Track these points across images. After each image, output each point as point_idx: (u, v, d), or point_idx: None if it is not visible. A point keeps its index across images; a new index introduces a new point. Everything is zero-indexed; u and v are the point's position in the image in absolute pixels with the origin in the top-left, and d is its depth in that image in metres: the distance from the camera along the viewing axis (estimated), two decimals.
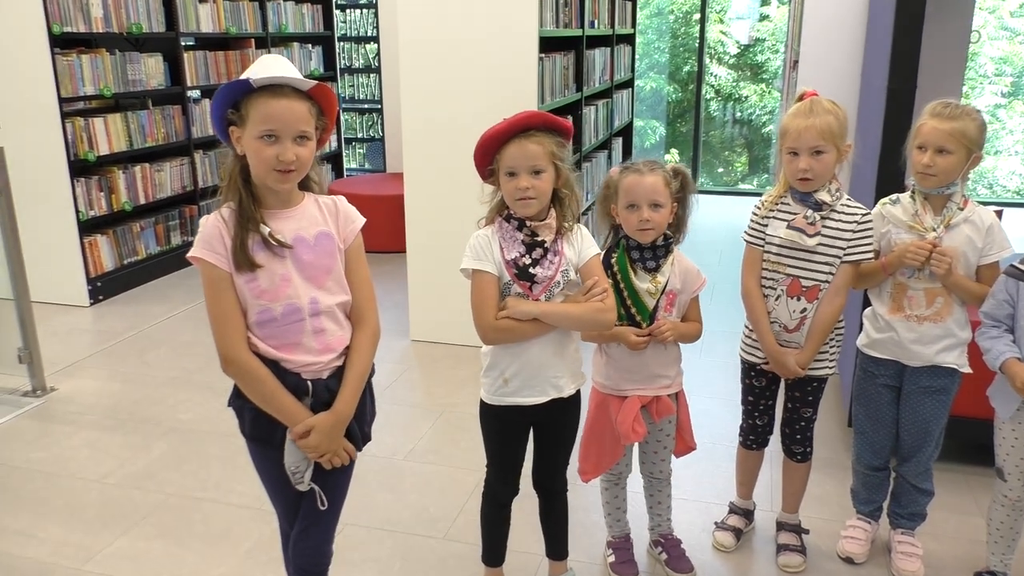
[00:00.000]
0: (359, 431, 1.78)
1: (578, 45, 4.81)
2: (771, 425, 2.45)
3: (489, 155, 1.90)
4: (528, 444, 2.11)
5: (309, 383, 1.69)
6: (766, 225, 2.23)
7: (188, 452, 3.11)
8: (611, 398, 2.19)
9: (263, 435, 1.70)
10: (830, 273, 2.15)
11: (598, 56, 5.47)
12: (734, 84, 10.78)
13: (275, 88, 1.58)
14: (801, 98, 2.16)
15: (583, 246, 1.96)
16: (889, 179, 2.67)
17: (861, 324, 2.39)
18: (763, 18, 10.68)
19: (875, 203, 2.69)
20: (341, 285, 1.74)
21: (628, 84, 7.04)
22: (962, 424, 2.62)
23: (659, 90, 10.83)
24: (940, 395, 2.25)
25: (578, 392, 2.06)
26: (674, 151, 10.79)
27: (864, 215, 2.14)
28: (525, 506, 2.22)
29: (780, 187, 2.23)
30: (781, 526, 2.51)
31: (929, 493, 2.39)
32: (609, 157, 6.04)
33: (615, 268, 2.10)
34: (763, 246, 2.24)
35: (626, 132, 7.03)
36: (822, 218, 2.13)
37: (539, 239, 1.91)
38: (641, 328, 2.10)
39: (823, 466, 2.96)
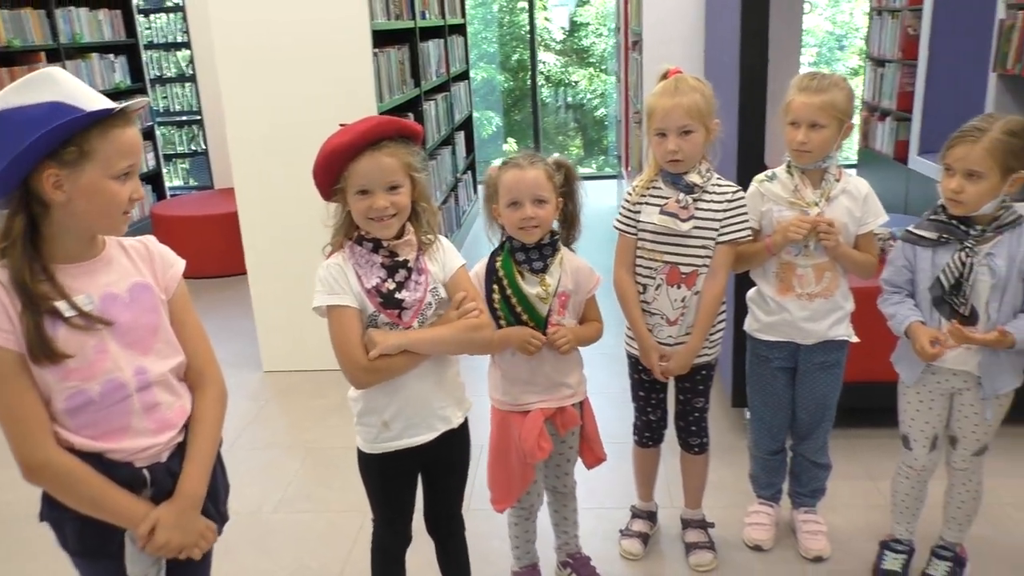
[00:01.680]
0: (215, 511, 1.48)
1: (411, 38, 4.56)
2: (665, 419, 2.33)
3: (334, 172, 1.63)
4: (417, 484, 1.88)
5: (146, 472, 1.37)
6: (638, 212, 2.10)
7: (7, 543, 2.64)
8: (512, 415, 1.99)
9: (94, 548, 1.37)
10: (708, 257, 2.05)
11: (432, 48, 5.24)
12: (563, 70, 10.88)
13: (117, 117, 1.29)
14: (665, 76, 2.04)
15: (447, 259, 1.75)
16: (750, 155, 2.62)
17: (740, 308, 2.32)
18: (583, 2, 10.83)
19: (737, 181, 2.65)
20: (171, 345, 1.43)
21: (464, 76, 6.86)
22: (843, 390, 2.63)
23: (491, 80, 10.76)
24: (834, 369, 2.22)
25: (466, 419, 1.85)
26: (511, 140, 10.76)
27: (735, 192, 2.05)
28: (419, 546, 1.98)
29: (650, 171, 2.11)
30: (687, 523, 2.42)
31: (828, 467, 2.36)
32: (453, 152, 5.85)
33: (500, 274, 1.91)
34: (636, 234, 2.11)
35: (467, 125, 6.85)
36: (695, 200, 2.03)
37: (400, 259, 1.68)
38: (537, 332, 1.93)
39: (714, 451, 2.87)
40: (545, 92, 10.77)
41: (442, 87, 5.66)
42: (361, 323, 1.66)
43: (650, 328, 2.13)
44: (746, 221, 2.06)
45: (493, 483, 2.04)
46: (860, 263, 2.10)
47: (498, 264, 1.92)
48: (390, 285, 1.66)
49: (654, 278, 2.09)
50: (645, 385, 2.26)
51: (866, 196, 2.11)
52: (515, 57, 10.73)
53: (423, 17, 4.92)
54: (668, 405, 2.32)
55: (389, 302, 1.65)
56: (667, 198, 2.05)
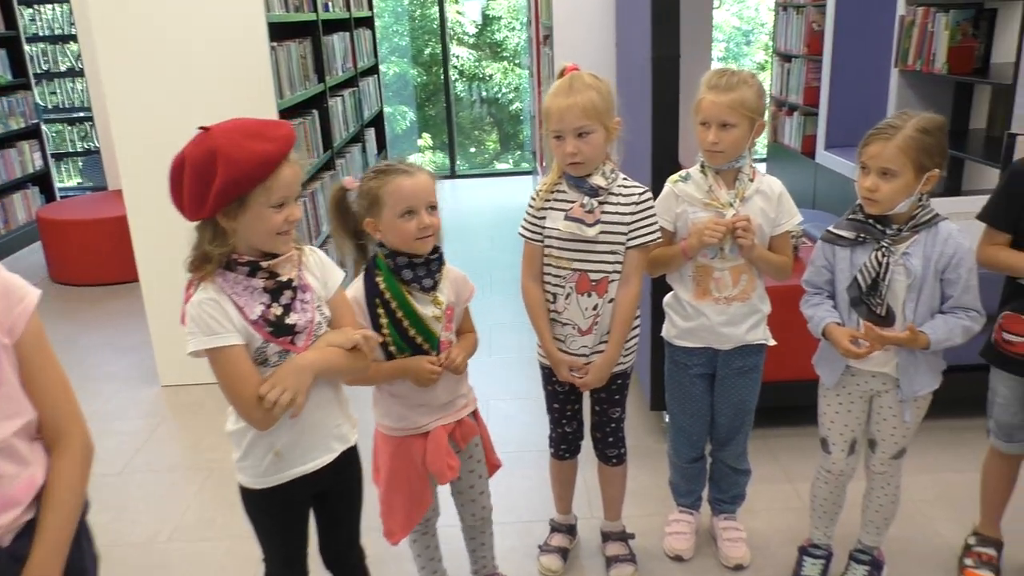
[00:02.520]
0: None
1: (314, 31, 4.36)
2: (581, 431, 2.24)
3: (255, 184, 1.42)
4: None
5: None
6: (543, 218, 2.00)
7: None
8: (409, 439, 1.86)
9: None
10: (618, 263, 1.96)
11: (337, 42, 5.04)
12: (476, 63, 10.76)
13: None
14: (562, 74, 1.94)
15: (326, 273, 1.60)
16: (664, 152, 2.56)
17: (657, 313, 2.25)
18: None
19: (652, 181, 2.59)
20: (16, 402, 1.20)
21: (373, 70, 6.65)
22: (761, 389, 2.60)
23: (403, 74, 10.56)
24: (752, 373, 2.17)
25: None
26: (427, 135, 10.59)
27: (643, 194, 1.96)
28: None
29: (553, 174, 2.01)
30: (607, 536, 2.34)
31: (748, 473, 2.32)
32: (363, 150, 5.65)
33: (387, 296, 1.75)
34: (542, 241, 2.01)
35: (377, 121, 6.65)
36: (600, 204, 1.93)
37: (283, 279, 1.52)
38: (433, 357, 1.80)
39: (633, 456, 2.80)
40: (459, 86, 10.63)
41: (350, 82, 5.46)
42: (250, 358, 1.48)
43: (562, 339, 2.04)
44: (655, 223, 1.98)
45: (388, 515, 1.90)
46: (776, 264, 2.06)
47: (382, 286, 1.75)
48: (276, 310, 1.49)
49: (563, 287, 2.00)
50: (559, 397, 2.16)
51: (780, 196, 2.06)
52: (428, 51, 10.54)
53: (326, 9, 4.72)
54: (584, 416, 2.24)
55: (280, 330, 1.49)
56: (572, 202, 1.95)
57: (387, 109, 10.21)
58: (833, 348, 1.94)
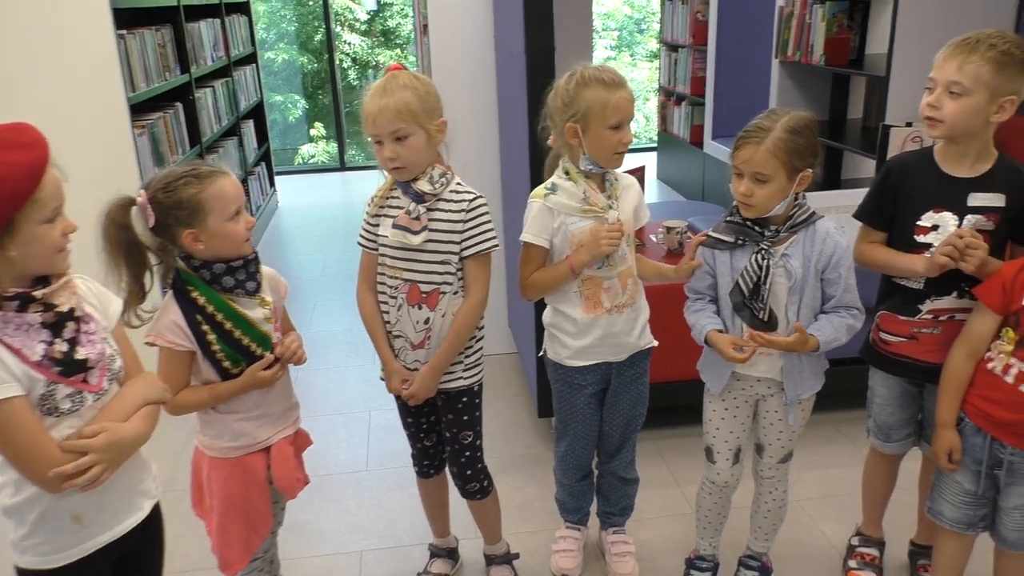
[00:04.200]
0: None
1: (175, 17, 4.04)
2: (443, 442, 2.10)
3: (28, 197, 1.21)
4: None
5: None
6: (376, 225, 1.86)
7: None
8: (249, 457, 1.69)
9: None
10: (448, 273, 1.82)
11: (205, 29, 4.71)
12: (369, 51, 10.46)
13: None
14: (385, 72, 1.79)
15: (104, 302, 1.41)
16: (542, 151, 2.44)
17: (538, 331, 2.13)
18: None
19: (530, 178, 2.46)
20: None
21: (251, 59, 6.30)
22: None
23: (293, 62, 10.15)
24: (643, 378, 2.09)
25: None
26: (319, 124, 10.23)
27: (474, 200, 1.82)
28: None
29: (390, 180, 1.86)
30: (490, 559, 2.21)
31: (636, 482, 2.23)
32: (240, 144, 5.34)
33: (209, 310, 1.57)
34: (376, 249, 1.87)
35: (257, 113, 6.31)
36: (428, 210, 1.80)
37: (62, 310, 1.30)
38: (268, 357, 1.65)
39: (519, 464, 2.74)
40: (352, 75, 10.31)
41: (223, 72, 5.13)
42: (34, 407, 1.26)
43: (396, 353, 1.90)
44: (491, 231, 1.84)
45: (224, 545, 1.71)
46: (660, 270, 2.01)
47: (201, 301, 1.56)
48: (61, 346, 1.28)
49: (396, 297, 1.86)
50: (411, 409, 2.00)
51: (637, 189, 2.00)
52: (317, 37, 10.17)
53: None
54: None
55: (70, 367, 1.28)
56: (403, 209, 1.82)
57: (276, 97, 9.82)
58: (717, 354, 1.87)
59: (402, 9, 10.25)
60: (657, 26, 9.85)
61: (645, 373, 2.09)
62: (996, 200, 1.76)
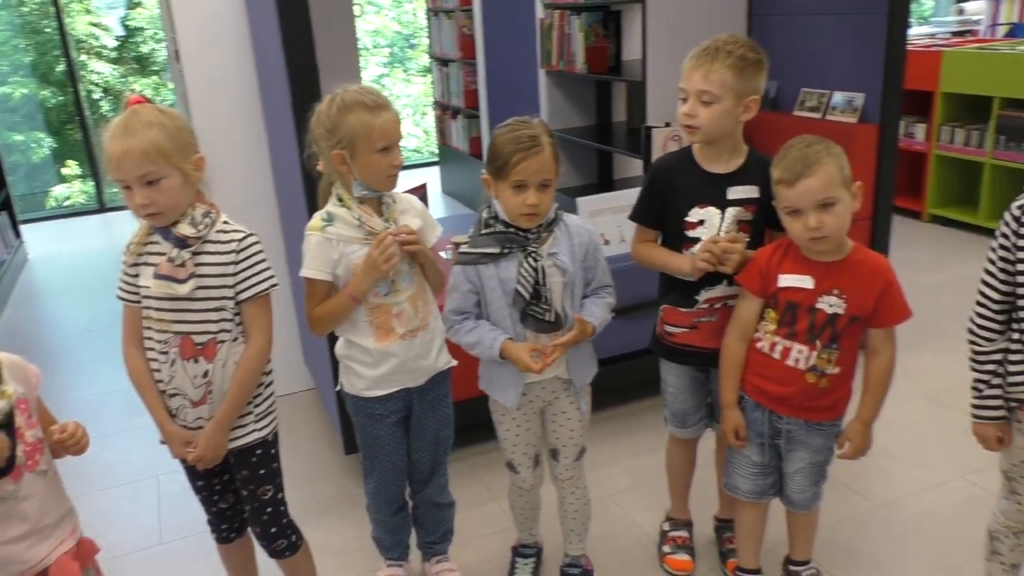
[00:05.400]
0: None
1: None
2: (242, 502, 1.94)
3: None
4: None
5: None
6: (136, 276, 1.69)
7: None
8: None
9: None
10: (225, 320, 1.69)
11: None
12: (122, 79, 9.70)
13: None
14: (125, 107, 1.63)
15: None
16: (316, 177, 2.33)
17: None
18: (135, 5, 9.74)
19: (306, 201, 2.34)
20: None
21: None
22: None
23: (33, 96, 9.18)
24: (446, 399, 2.04)
25: None
26: (71, 163, 9.32)
27: (245, 238, 1.69)
28: None
29: (144, 227, 1.70)
30: None
31: (452, 504, 2.19)
32: None
33: None
34: (139, 302, 1.70)
35: None
36: (194, 255, 1.65)
37: None
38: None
39: (330, 506, 2.61)
40: (105, 106, 9.50)
41: None
42: None
43: (175, 413, 1.74)
44: (267, 270, 1.72)
45: None
46: (441, 272, 1.94)
47: None
48: None
49: (167, 353, 1.69)
50: (199, 474, 1.83)
51: (422, 210, 1.95)
52: (60, 68, 9.27)
53: None
54: None
55: None
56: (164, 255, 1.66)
57: (17, 137, 8.82)
58: (505, 367, 1.86)
59: (155, 34, 9.59)
60: (427, 40, 9.98)
61: (447, 394, 2.05)
62: (752, 192, 1.90)
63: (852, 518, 2.39)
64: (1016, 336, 1.59)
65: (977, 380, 1.68)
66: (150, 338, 1.71)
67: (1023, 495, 1.71)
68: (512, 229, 1.81)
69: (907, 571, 2.17)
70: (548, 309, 1.82)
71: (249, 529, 1.93)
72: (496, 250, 1.81)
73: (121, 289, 1.71)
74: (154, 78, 9.81)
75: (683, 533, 2.27)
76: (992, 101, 4.66)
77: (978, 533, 1.89)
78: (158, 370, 1.71)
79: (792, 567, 2.10)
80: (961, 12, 7.55)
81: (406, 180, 2.11)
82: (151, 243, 1.68)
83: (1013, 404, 1.64)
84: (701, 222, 1.91)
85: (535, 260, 1.80)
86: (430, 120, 9.43)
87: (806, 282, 1.77)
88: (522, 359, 1.80)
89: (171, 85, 9.56)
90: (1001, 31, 6.50)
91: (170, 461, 1.83)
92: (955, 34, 6.93)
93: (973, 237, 4.80)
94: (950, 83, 4.88)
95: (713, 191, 1.91)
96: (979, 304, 1.64)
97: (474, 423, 2.59)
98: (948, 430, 2.80)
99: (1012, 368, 1.61)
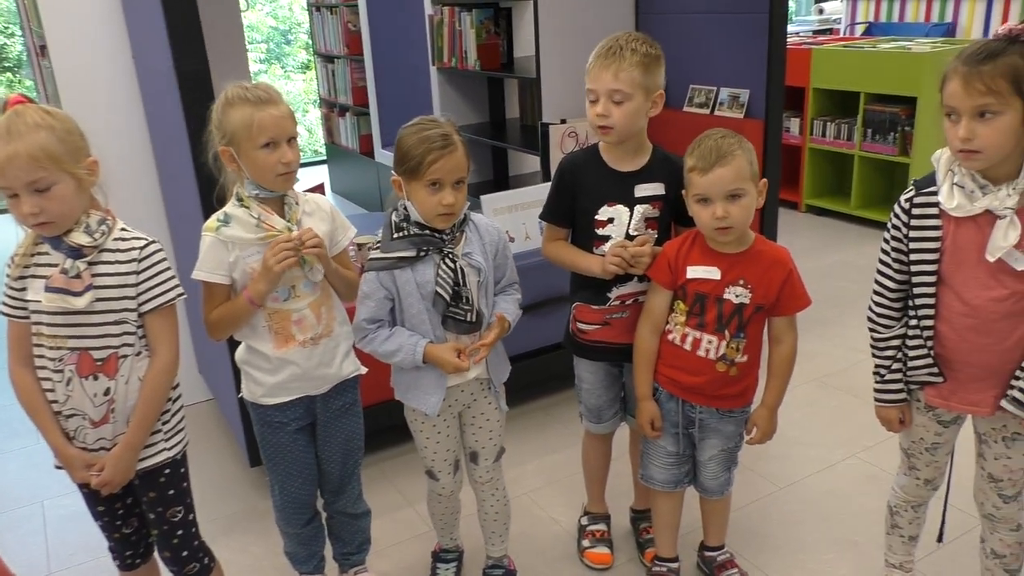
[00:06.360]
0: None
1: None
2: (148, 525, 1.83)
3: None
4: None
5: None
6: (23, 289, 1.57)
7: None
8: None
9: None
10: (127, 334, 1.60)
11: None
12: None
13: None
14: (5, 108, 1.51)
15: None
16: (212, 178, 2.22)
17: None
18: None
19: (202, 208, 2.23)
20: None
21: None
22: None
23: None
24: (355, 408, 1.98)
25: None
26: None
27: (147, 246, 1.61)
28: None
29: (30, 237, 1.58)
30: None
31: (368, 514, 2.13)
32: None
33: None
34: (28, 318, 1.58)
35: None
36: (90, 265, 1.55)
37: None
38: None
39: (239, 522, 2.50)
40: None
41: None
42: None
43: (73, 435, 1.63)
44: (171, 279, 1.64)
45: None
46: (349, 280, 1.88)
47: None
48: None
49: (62, 371, 1.58)
50: (99, 499, 1.72)
51: (332, 211, 1.89)
52: None
53: None
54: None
55: None
56: (56, 267, 1.55)
57: None
58: (425, 372, 1.83)
59: (6, 27, 8.91)
60: (304, 36, 9.67)
61: (356, 403, 1.99)
62: (657, 189, 1.93)
63: (757, 500, 2.49)
64: (913, 323, 1.68)
65: (878, 366, 1.78)
66: (41, 356, 1.58)
67: (921, 471, 1.83)
68: (427, 231, 1.77)
69: (815, 549, 2.28)
70: (469, 309, 1.80)
71: (156, 554, 1.82)
72: (412, 253, 1.77)
73: (5, 304, 1.58)
74: (8, 75, 9.13)
75: (601, 527, 2.30)
76: (859, 96, 4.96)
77: (875, 508, 2.01)
78: (52, 390, 1.59)
79: (707, 553, 2.16)
80: (821, 12, 8.01)
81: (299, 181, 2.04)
82: (39, 254, 1.55)
83: (912, 386, 1.75)
84: (611, 220, 1.94)
85: (452, 261, 1.77)
86: (312, 117, 9.19)
87: (713, 273, 1.82)
88: (449, 360, 1.78)
89: (28, 83, 8.92)
90: (859, 30, 6.93)
91: (55, 485, 1.71)
92: (816, 32, 7.36)
93: (846, 225, 5.10)
94: (820, 79, 5.16)
95: (621, 189, 1.93)
96: (876, 293, 1.73)
97: (385, 427, 2.55)
98: (837, 411, 2.96)
99: (910, 352, 1.71)
